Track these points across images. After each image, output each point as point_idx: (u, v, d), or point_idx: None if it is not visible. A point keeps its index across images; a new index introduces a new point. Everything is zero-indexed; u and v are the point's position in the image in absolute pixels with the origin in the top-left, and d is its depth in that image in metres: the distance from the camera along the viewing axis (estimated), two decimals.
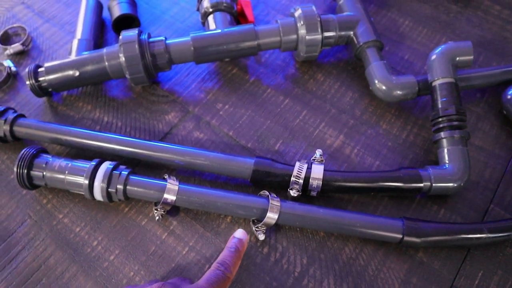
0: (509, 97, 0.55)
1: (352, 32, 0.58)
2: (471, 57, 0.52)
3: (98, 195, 0.48)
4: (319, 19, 0.55)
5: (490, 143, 0.55)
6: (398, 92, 0.54)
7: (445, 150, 0.49)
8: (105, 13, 0.69)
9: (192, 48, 0.55)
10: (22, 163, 0.48)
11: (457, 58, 0.52)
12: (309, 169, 0.48)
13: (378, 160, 0.53)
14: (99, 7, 0.66)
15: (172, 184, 0.47)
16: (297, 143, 0.54)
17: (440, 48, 0.53)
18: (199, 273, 0.45)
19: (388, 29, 0.65)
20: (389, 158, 0.53)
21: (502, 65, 0.61)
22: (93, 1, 0.66)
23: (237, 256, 0.43)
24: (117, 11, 0.63)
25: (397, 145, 0.54)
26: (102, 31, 0.67)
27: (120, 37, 0.55)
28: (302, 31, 0.55)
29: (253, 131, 0.55)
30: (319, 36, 0.56)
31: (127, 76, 0.55)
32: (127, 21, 0.65)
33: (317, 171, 0.48)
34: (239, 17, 0.64)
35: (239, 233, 0.45)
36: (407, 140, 0.55)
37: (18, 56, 0.65)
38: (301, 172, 0.47)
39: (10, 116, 0.53)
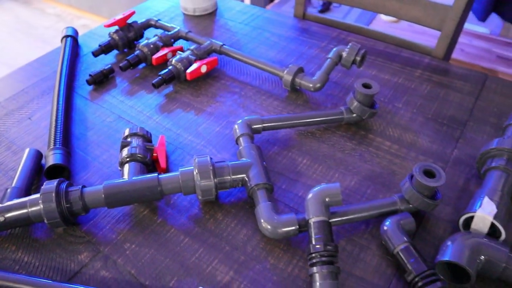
0: (385, 228, 0.62)
1: (245, 175, 0.67)
2: (340, 198, 0.60)
3: None
4: (211, 167, 0.65)
5: (370, 274, 0.60)
6: (282, 229, 0.61)
7: (317, 285, 0.55)
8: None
9: (103, 195, 0.64)
10: None
11: (327, 199, 0.60)
12: None
13: None
14: (38, 156, 0.77)
15: None
16: (190, 279, 0.60)
17: (314, 189, 0.61)
18: None
19: (287, 168, 0.75)
20: None
21: (385, 197, 0.69)
22: (33, 151, 0.76)
23: None
24: (50, 161, 0.73)
25: (282, 279, 0.60)
26: (39, 177, 0.76)
27: (42, 187, 0.63)
28: (197, 178, 0.64)
29: (153, 269, 0.61)
30: (211, 183, 0.64)
31: (45, 221, 0.63)
32: (59, 169, 0.75)
33: None
34: (155, 164, 0.74)
35: None
36: (292, 274, 0.60)
37: None
38: None
39: None
